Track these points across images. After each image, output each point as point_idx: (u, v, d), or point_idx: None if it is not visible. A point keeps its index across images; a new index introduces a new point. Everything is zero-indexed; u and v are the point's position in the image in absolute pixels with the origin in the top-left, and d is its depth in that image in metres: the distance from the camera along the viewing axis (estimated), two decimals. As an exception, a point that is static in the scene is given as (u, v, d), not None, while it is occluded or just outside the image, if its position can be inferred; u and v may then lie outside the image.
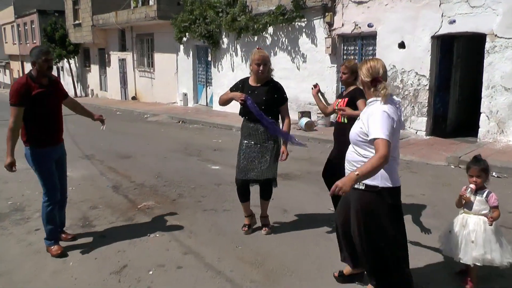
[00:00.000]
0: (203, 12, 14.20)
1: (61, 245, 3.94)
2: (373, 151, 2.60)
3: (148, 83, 19.62)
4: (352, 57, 10.33)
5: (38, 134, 3.72)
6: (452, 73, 9.47)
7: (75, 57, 25.30)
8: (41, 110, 3.67)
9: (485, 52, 8.09)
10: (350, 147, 2.89)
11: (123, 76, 21.55)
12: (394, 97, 2.84)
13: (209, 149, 8.68)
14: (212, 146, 9.06)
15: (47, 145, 3.78)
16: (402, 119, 2.83)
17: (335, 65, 10.72)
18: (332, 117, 7.64)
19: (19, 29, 33.39)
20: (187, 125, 12.76)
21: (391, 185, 2.72)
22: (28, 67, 30.48)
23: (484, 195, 3.09)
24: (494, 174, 6.04)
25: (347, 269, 3.28)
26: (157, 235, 4.25)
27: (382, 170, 2.61)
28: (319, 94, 4.44)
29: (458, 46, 9.35)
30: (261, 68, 3.93)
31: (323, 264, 3.59)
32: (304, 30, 11.53)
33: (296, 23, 11.61)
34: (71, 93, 25.34)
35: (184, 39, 15.70)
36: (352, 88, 4.16)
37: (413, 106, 9.30)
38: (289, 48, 12.03)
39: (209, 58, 15.10)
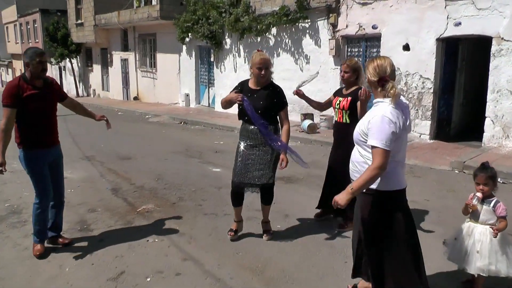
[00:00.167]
0: (206, 12, 14.11)
1: (61, 246, 3.96)
2: None
3: (150, 84, 19.56)
4: (356, 59, 10.22)
5: (30, 136, 3.66)
6: (456, 76, 9.36)
7: (77, 56, 25.27)
8: (33, 112, 3.61)
9: (491, 55, 7.98)
10: (355, 146, 2.83)
11: (125, 76, 21.50)
12: (402, 98, 2.72)
13: (211, 151, 8.60)
14: (214, 148, 8.97)
15: (39, 148, 3.71)
16: (409, 122, 2.73)
17: (339, 67, 10.61)
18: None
19: (22, 28, 33.40)
20: (189, 126, 12.68)
21: (389, 189, 2.64)
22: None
23: (492, 204, 2.98)
24: (499, 180, 5.89)
25: (361, 283, 3.12)
26: (156, 240, 4.17)
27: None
28: (305, 95, 4.30)
29: (463, 48, 9.23)
30: (262, 72, 3.82)
31: (325, 272, 3.50)
32: (307, 31, 11.44)
33: (299, 24, 11.52)
34: (73, 93, 25.34)
35: (187, 39, 15.63)
36: (355, 88, 4.12)
37: (417, 109, 9.20)
38: (292, 49, 11.93)
39: (212, 59, 15.00)
